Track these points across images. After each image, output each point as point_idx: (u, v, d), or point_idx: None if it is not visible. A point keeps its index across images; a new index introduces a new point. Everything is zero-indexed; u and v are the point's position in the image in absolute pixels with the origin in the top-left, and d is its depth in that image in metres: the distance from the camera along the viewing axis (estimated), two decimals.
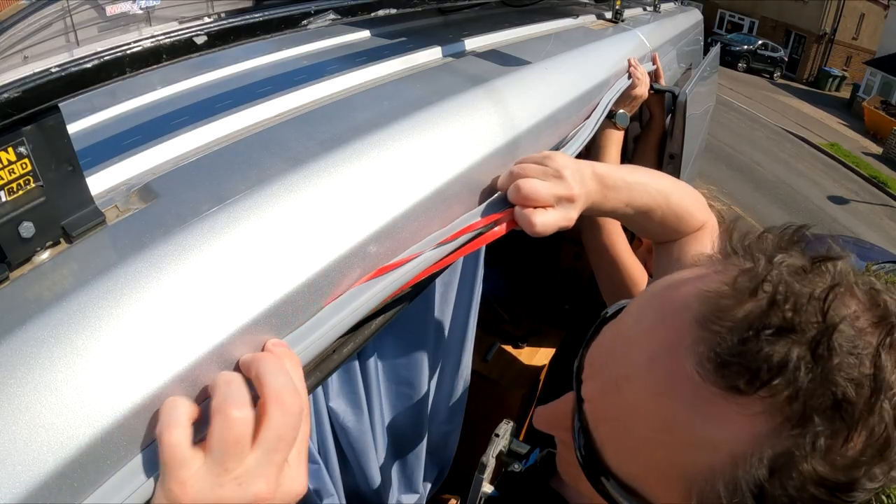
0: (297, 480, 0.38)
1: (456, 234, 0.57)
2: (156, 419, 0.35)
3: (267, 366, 0.38)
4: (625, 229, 1.15)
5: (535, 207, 0.60)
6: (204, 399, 0.38)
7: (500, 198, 0.63)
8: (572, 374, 0.42)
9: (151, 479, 0.36)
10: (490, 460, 0.84)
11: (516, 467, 0.66)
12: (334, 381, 0.94)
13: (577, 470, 0.41)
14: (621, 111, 1.13)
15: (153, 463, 0.35)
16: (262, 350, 0.41)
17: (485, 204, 0.62)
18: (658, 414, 0.34)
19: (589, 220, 1.11)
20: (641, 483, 0.37)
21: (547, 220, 0.60)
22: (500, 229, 0.60)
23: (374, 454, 1.10)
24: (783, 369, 0.30)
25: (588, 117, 0.92)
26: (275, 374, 0.38)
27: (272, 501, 0.36)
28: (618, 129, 1.15)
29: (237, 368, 0.40)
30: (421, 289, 0.59)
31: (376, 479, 1.12)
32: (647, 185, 0.70)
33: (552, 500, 0.54)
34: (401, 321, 0.99)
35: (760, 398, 0.31)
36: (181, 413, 0.35)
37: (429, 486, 1.40)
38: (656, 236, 0.80)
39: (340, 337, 0.48)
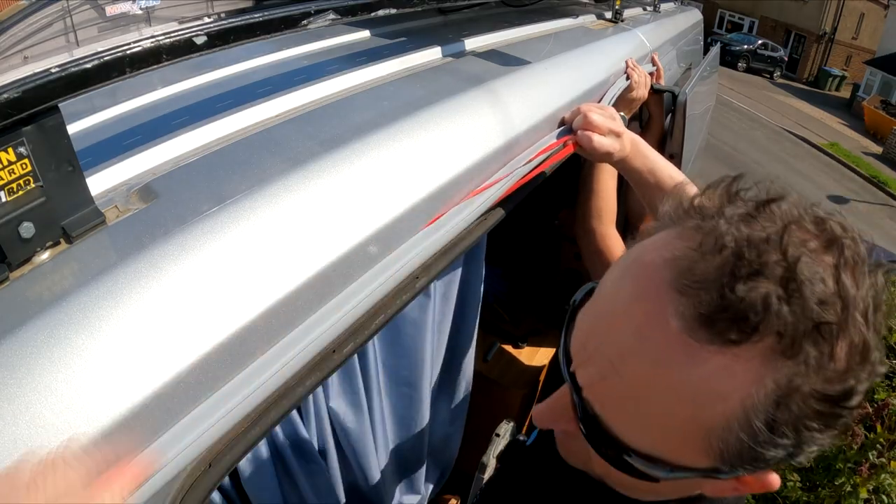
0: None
1: (539, 154, 0.74)
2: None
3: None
4: (623, 234, 1.15)
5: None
6: None
7: (564, 129, 0.82)
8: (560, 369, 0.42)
9: (157, 476, 0.36)
10: (490, 460, 0.84)
11: (522, 438, 0.68)
12: (334, 381, 0.94)
13: (584, 455, 0.43)
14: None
15: None
16: None
17: (553, 132, 0.80)
18: (662, 383, 0.35)
19: (583, 226, 1.11)
20: (663, 449, 0.38)
21: (602, 142, 0.79)
22: (568, 147, 0.80)
23: (375, 455, 1.09)
24: (767, 311, 0.32)
25: None
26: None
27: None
28: None
29: None
30: (513, 205, 0.75)
31: (377, 479, 1.12)
32: (668, 166, 0.85)
33: (559, 464, 0.53)
34: (401, 321, 0.99)
35: (753, 343, 0.33)
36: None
37: (430, 486, 1.39)
38: None
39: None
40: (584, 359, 0.40)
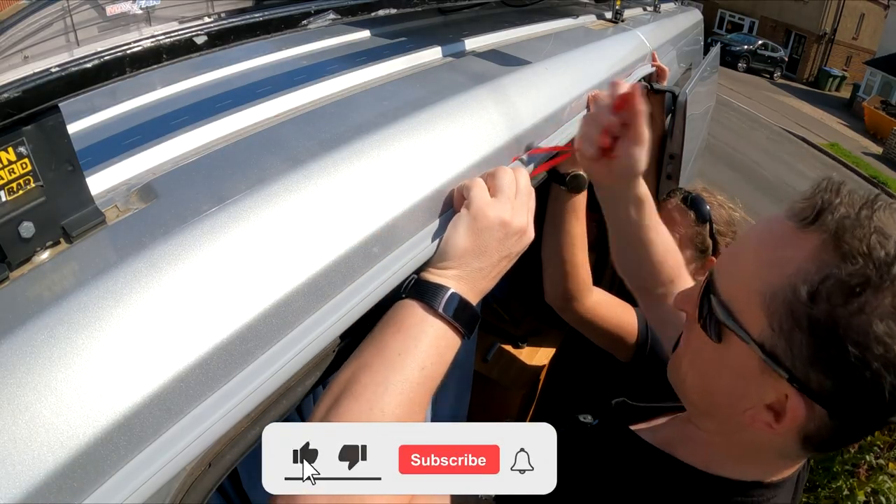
0: (532, 233, 0.59)
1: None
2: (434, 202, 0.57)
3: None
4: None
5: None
6: None
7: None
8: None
9: (157, 476, 0.36)
10: None
11: (588, 419, 0.75)
12: None
13: (678, 361, 0.59)
14: (578, 172, 0.90)
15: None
16: None
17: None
18: (756, 245, 0.52)
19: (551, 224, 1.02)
20: (735, 296, 0.51)
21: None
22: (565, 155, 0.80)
23: None
24: (829, 208, 0.47)
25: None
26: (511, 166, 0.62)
27: (524, 234, 0.57)
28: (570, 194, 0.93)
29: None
30: None
31: None
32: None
33: (631, 440, 0.66)
34: None
35: (814, 227, 0.47)
36: (480, 178, 0.58)
37: None
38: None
39: None
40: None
